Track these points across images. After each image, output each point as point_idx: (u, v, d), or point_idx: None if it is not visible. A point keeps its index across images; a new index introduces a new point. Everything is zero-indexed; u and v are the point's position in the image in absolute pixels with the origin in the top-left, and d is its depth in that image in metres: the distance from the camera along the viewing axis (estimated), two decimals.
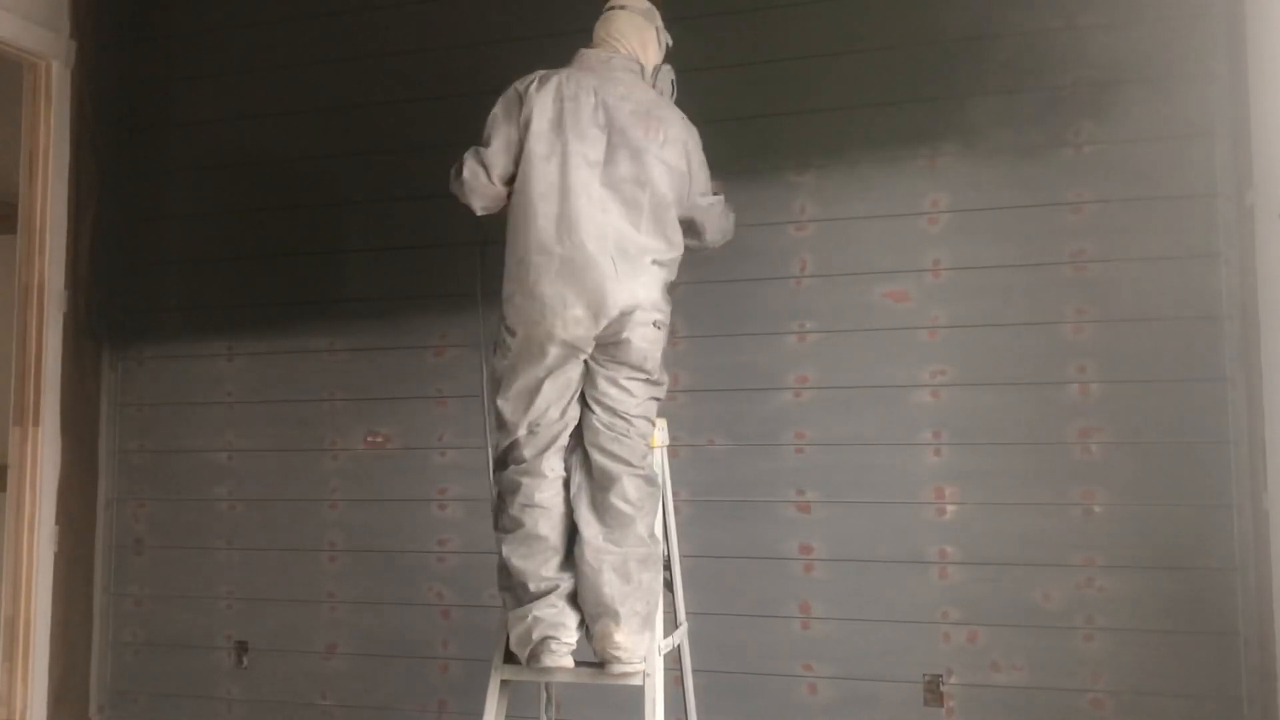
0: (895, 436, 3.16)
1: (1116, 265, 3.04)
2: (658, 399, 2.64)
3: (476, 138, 2.56)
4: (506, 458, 2.61)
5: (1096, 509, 3.01)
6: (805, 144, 3.29)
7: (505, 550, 2.56)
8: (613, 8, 2.76)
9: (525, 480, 2.55)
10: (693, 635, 2.94)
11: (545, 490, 2.55)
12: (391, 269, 3.66)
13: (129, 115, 4.00)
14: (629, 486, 2.52)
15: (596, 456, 2.54)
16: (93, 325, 3.87)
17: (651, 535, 2.55)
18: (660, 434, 2.73)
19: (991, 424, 3.09)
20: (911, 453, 3.15)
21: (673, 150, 2.60)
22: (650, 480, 2.58)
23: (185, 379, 3.86)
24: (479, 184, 2.65)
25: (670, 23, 2.82)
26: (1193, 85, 3.02)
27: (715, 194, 2.82)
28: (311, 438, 3.70)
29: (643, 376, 2.56)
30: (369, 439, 3.65)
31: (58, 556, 3.71)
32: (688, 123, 2.70)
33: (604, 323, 2.47)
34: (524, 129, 2.57)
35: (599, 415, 2.54)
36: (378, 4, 3.74)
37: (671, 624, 2.80)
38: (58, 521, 3.72)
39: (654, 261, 2.55)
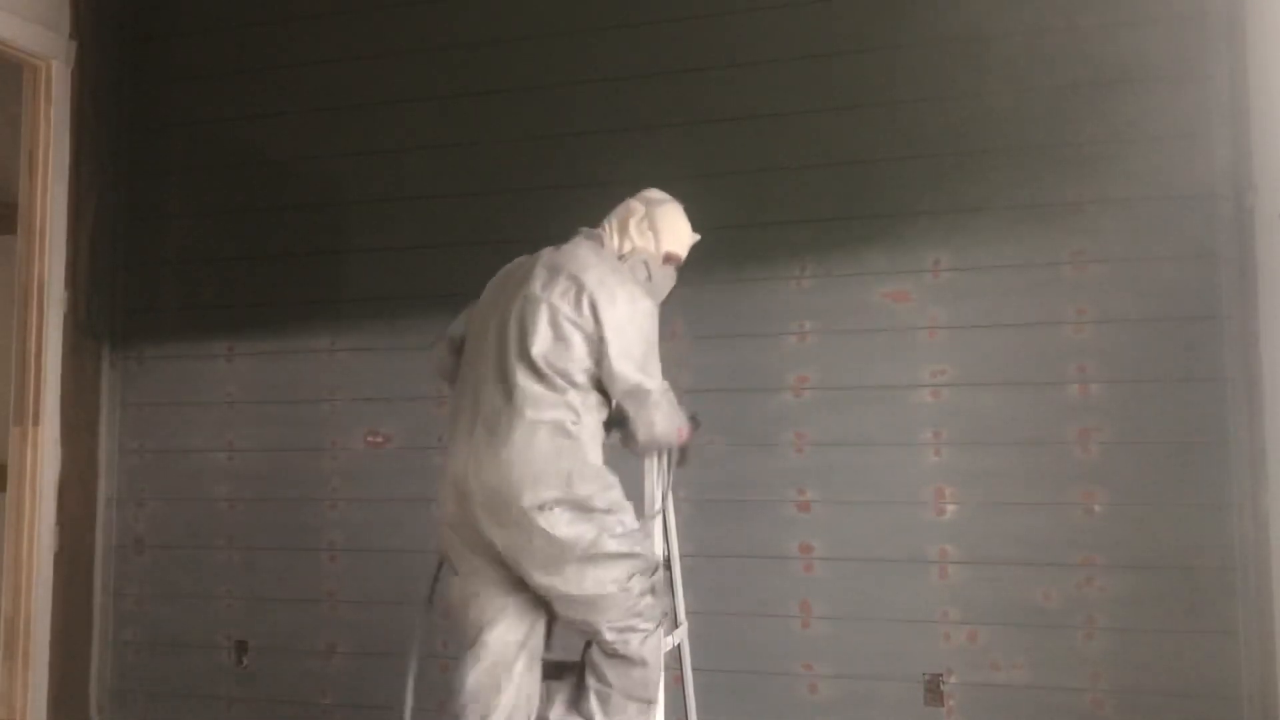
0: (895, 436, 3.16)
1: (1116, 265, 3.04)
2: (639, 572, 2.36)
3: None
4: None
5: (1096, 509, 3.01)
6: (805, 143, 3.29)
7: None
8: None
9: None
10: (693, 635, 2.93)
11: None
12: (391, 269, 3.66)
13: (129, 115, 4.00)
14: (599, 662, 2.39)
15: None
16: (93, 325, 3.87)
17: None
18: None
19: (991, 424, 3.09)
20: (911, 453, 3.15)
21: (569, 299, 2.31)
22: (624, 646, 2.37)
23: (185, 379, 3.86)
24: (436, 352, 2.62)
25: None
26: (1193, 85, 3.02)
27: (647, 385, 2.36)
28: (311, 438, 3.70)
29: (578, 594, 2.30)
30: (369, 439, 3.65)
31: (58, 556, 3.71)
32: (629, 292, 2.35)
33: (474, 512, 2.29)
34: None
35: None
36: (376, 4, 3.74)
37: (671, 624, 2.79)
38: (58, 521, 3.71)
39: (534, 420, 2.26)
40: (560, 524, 2.25)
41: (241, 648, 3.70)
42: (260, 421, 3.77)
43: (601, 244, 2.47)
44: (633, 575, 2.36)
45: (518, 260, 2.53)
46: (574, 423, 2.30)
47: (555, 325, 2.31)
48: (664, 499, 2.64)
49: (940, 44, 3.20)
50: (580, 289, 2.31)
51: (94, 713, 3.83)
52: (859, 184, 3.24)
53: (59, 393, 3.73)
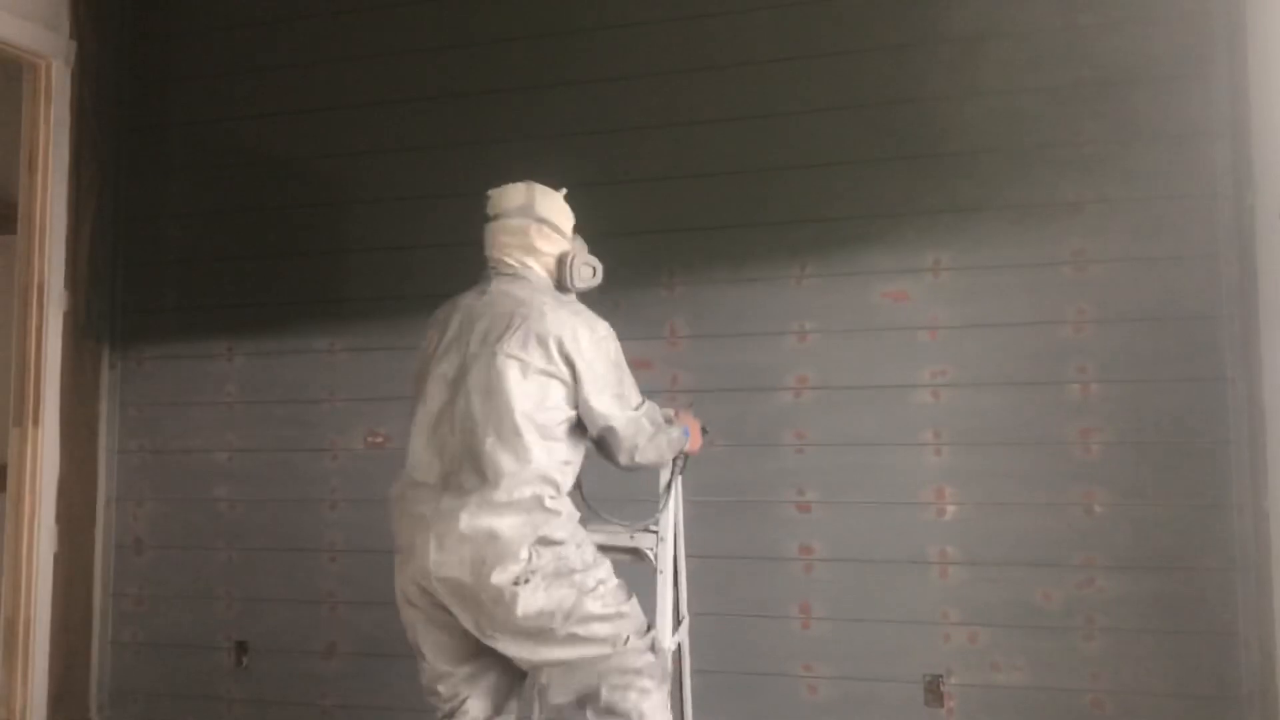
0: (895, 436, 3.16)
1: (1116, 265, 3.04)
2: (616, 631, 2.29)
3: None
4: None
5: (1096, 509, 3.01)
6: (805, 143, 3.29)
7: None
8: (488, 219, 2.47)
9: None
10: (693, 635, 2.93)
11: None
12: (391, 269, 3.66)
13: (129, 115, 4.00)
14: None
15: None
16: (93, 325, 3.87)
17: None
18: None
19: (991, 424, 3.09)
20: (911, 453, 3.15)
21: (535, 350, 2.24)
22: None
23: (185, 379, 3.86)
24: None
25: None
26: (1193, 85, 3.02)
27: (636, 407, 2.38)
28: (311, 438, 3.70)
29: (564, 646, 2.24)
30: (369, 439, 3.65)
31: (58, 556, 3.71)
32: (587, 322, 2.32)
33: (441, 595, 2.21)
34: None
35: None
36: (376, 4, 3.74)
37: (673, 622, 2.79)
38: (58, 521, 3.71)
39: (505, 502, 2.18)
40: (538, 593, 2.18)
41: (241, 648, 3.70)
42: (260, 422, 3.77)
43: (527, 279, 2.39)
44: (627, 636, 2.29)
45: (440, 316, 2.46)
46: (552, 498, 2.24)
47: (530, 378, 2.24)
48: (673, 498, 2.65)
49: (940, 44, 3.20)
50: (544, 335, 2.25)
51: (94, 713, 3.83)
52: (859, 184, 3.24)
53: (59, 393, 3.73)
